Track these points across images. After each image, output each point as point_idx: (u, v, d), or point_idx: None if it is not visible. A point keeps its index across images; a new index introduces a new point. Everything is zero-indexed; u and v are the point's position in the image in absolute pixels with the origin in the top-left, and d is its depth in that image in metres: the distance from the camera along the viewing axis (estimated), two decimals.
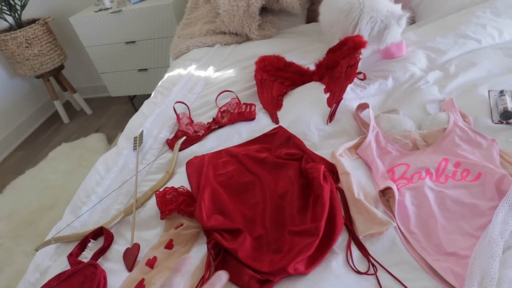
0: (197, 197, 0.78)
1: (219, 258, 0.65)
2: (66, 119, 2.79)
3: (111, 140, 2.46)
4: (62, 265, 0.76)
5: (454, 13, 1.37)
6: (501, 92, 0.96)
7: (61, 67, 2.59)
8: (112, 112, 2.83)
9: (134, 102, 2.72)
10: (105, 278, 0.69)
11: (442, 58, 1.19)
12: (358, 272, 0.62)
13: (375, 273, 0.61)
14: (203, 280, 0.62)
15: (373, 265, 0.63)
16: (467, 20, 1.27)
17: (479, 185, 0.73)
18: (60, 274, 0.70)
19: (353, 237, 0.68)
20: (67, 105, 2.94)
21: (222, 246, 0.66)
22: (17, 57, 2.30)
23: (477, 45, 1.22)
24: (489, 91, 1.01)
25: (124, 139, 1.13)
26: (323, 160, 0.84)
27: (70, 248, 0.78)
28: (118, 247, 0.77)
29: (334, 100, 1.03)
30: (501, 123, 0.90)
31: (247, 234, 0.68)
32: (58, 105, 2.71)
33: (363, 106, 1.02)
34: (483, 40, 1.22)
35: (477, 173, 0.75)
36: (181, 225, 0.75)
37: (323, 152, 0.90)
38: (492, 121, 0.91)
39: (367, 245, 0.67)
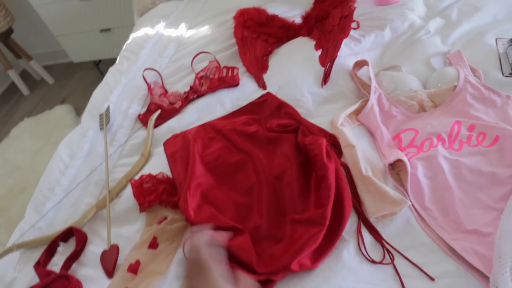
0: (182, 184, 0.66)
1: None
2: (25, 91, 2.52)
3: (79, 111, 2.25)
4: (29, 276, 0.65)
5: None
6: (511, 40, 0.86)
7: (10, 31, 2.26)
8: (77, 79, 2.57)
9: (100, 68, 2.46)
10: None
11: (442, 3, 1.07)
12: (374, 262, 0.55)
13: (392, 262, 0.54)
14: None
15: (389, 252, 0.56)
16: None
17: (496, 151, 0.65)
18: None
19: (363, 220, 0.60)
20: (25, 75, 2.64)
21: None
22: None
23: None
24: (496, 39, 0.91)
25: (89, 117, 0.97)
26: (322, 132, 0.74)
27: (37, 254, 0.67)
28: (94, 249, 0.67)
29: (328, 58, 0.90)
30: None
31: (241, 228, 0.59)
32: (14, 75, 2.42)
33: (360, 64, 0.90)
34: None
35: (494, 136, 0.67)
36: (165, 218, 0.65)
37: (319, 120, 0.80)
38: (503, 74, 0.82)
39: (379, 227, 0.59)
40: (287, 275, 0.54)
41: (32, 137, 2.10)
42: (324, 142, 0.65)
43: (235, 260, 0.55)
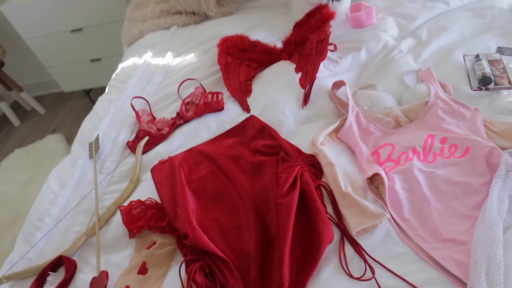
0: (172, 209, 0.68)
1: None
2: (16, 122, 2.53)
3: (70, 140, 2.26)
4: None
5: None
6: (477, 56, 0.92)
7: (1, 63, 2.30)
8: (68, 109, 2.60)
9: (91, 96, 2.49)
10: None
11: (413, 24, 1.15)
12: (354, 278, 0.57)
13: (373, 277, 0.56)
14: None
15: (370, 267, 0.57)
16: None
17: (468, 161, 0.69)
18: None
19: (345, 235, 0.62)
20: (16, 106, 2.66)
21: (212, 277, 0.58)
22: None
23: (446, 7, 1.19)
24: (464, 55, 0.97)
25: (78, 146, 0.99)
26: (300, 154, 0.77)
27: (27, 285, 0.67)
28: (84, 277, 0.67)
29: (307, 80, 0.95)
30: (480, 89, 0.86)
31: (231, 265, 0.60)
32: (5, 107, 2.44)
33: (338, 84, 0.95)
34: (451, 1, 1.19)
35: (465, 147, 0.71)
36: (154, 243, 0.66)
37: (301, 139, 0.83)
38: (471, 88, 0.87)
39: (360, 241, 0.62)
40: None
41: (23, 168, 2.09)
42: (293, 173, 0.67)
43: None
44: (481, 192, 0.64)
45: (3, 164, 2.16)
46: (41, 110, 2.60)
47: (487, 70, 0.88)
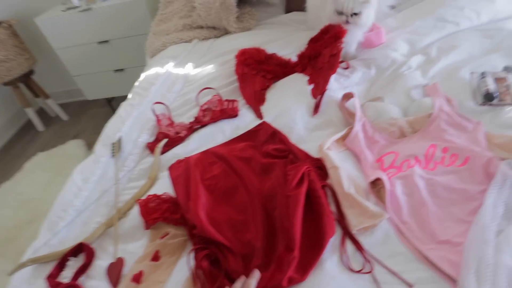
0: (186, 203, 0.73)
1: (220, 278, 0.60)
2: (40, 127, 2.66)
3: (90, 146, 2.36)
4: None
5: None
6: (482, 74, 0.96)
7: (31, 72, 2.46)
8: (90, 116, 2.72)
9: (112, 105, 2.62)
10: None
11: (423, 42, 1.19)
12: (354, 271, 0.60)
13: (371, 271, 0.59)
14: None
15: (369, 261, 0.61)
16: (445, 3, 1.27)
17: (467, 170, 0.72)
18: None
19: (346, 233, 0.66)
20: (41, 112, 2.80)
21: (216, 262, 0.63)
22: None
23: (455, 28, 1.22)
24: (471, 73, 1.01)
25: (102, 146, 1.07)
26: (308, 157, 0.81)
27: (49, 268, 0.73)
28: (101, 263, 0.72)
29: (319, 91, 1.00)
30: (484, 105, 0.90)
31: (234, 250, 0.65)
32: (31, 113, 2.58)
33: (348, 96, 1.00)
34: (461, 22, 1.23)
35: (465, 157, 0.74)
36: (167, 234, 0.71)
37: (310, 145, 0.88)
38: (476, 103, 0.91)
39: (361, 239, 0.65)
40: None
41: (45, 170, 2.19)
42: (302, 169, 0.72)
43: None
44: (478, 199, 0.67)
45: (25, 166, 2.27)
46: (64, 116, 2.73)
47: (491, 86, 0.91)
